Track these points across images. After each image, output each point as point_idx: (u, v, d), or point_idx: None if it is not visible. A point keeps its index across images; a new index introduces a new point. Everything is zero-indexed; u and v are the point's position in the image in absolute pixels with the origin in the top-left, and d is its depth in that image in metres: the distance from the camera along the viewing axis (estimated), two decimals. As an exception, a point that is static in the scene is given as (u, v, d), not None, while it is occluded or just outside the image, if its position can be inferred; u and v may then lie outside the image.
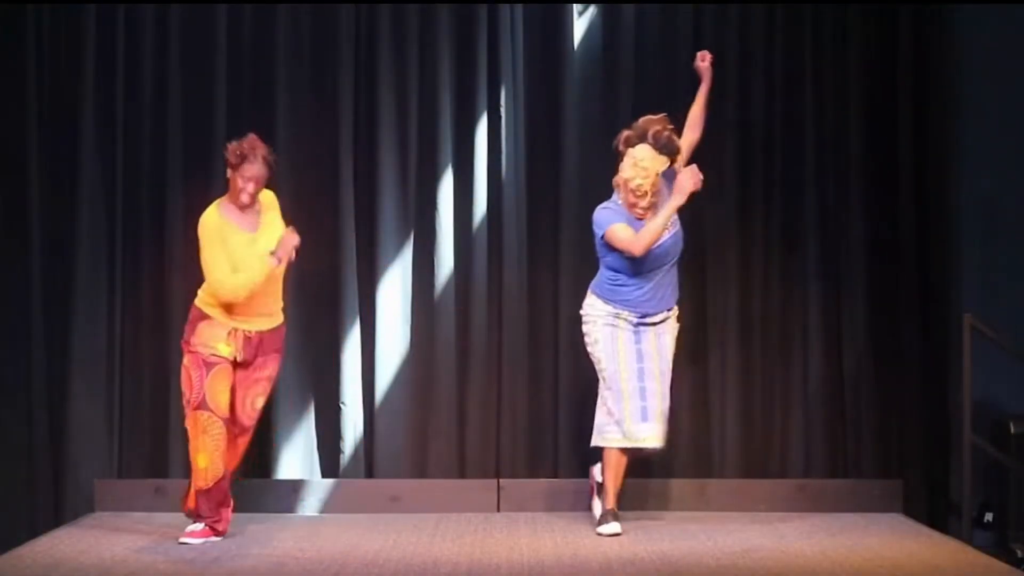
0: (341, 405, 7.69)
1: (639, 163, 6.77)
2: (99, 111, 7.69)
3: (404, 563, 6.21)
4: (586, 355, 7.06)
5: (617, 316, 6.91)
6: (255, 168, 6.60)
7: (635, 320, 6.91)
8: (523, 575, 5.99)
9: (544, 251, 7.83)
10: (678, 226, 6.90)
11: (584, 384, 7.49)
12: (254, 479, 7.55)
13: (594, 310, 6.96)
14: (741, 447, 7.78)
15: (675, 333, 7.03)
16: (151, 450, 7.72)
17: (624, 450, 6.91)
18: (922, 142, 7.79)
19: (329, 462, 7.75)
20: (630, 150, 6.81)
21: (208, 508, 6.69)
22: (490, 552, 6.46)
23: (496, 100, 7.76)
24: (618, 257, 6.86)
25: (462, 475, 7.75)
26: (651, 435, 6.86)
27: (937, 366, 7.79)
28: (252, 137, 6.68)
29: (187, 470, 6.93)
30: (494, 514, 7.53)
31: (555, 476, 7.74)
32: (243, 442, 6.87)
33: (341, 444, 7.72)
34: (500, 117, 7.77)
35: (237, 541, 6.71)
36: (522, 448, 7.77)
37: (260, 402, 6.81)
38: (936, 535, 7.01)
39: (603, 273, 6.97)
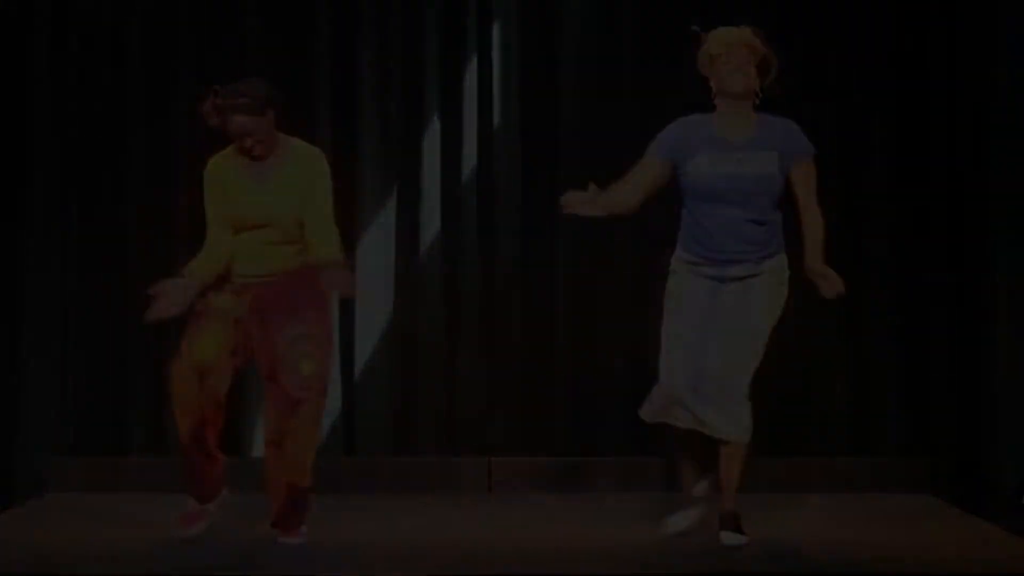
0: (317, 375, 7.48)
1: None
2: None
3: (385, 549, 6.07)
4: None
5: (694, 265, 6.06)
6: (236, 122, 5.90)
7: (712, 271, 6.03)
8: (517, 561, 5.83)
9: (541, 208, 7.57)
10: (766, 169, 6.01)
11: (584, 353, 7.46)
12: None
13: (674, 259, 6.13)
14: (754, 421, 7.17)
15: (770, 290, 6.12)
16: (110, 424, 7.54)
17: (692, 433, 6.26)
18: (956, 85, 7.60)
19: (304, 438, 7.57)
20: None
21: (184, 475, 6.11)
22: (480, 537, 6.34)
23: (488, 40, 7.63)
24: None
25: (450, 452, 7.62)
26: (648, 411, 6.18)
27: (970, 330, 7.56)
28: (213, 92, 5.94)
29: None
30: (485, 495, 7.43)
31: (552, 454, 7.58)
32: (305, 415, 5.91)
33: (317, 418, 7.56)
34: (491, 59, 7.62)
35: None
36: (516, 423, 7.62)
37: (306, 366, 5.89)
38: (970, 518, 6.83)
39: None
